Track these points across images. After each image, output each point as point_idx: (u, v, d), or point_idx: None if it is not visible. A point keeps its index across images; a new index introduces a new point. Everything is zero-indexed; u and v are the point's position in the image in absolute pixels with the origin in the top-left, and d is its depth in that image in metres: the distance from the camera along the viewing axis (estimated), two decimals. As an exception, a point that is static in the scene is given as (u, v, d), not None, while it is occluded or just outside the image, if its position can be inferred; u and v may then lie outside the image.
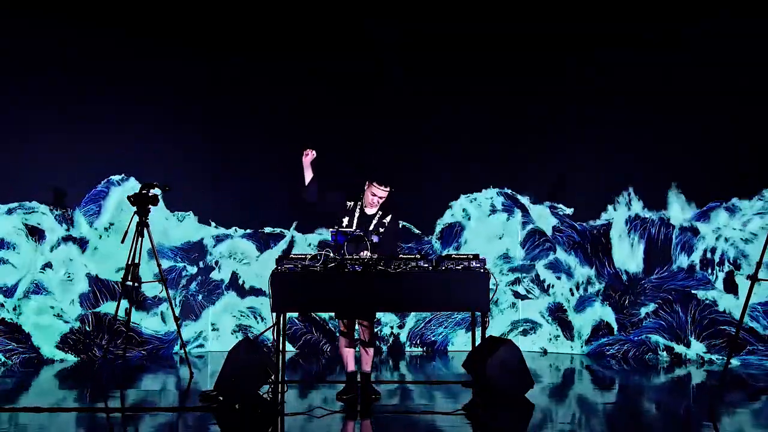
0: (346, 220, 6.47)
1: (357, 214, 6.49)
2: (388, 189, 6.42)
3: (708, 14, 8.33)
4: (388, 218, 6.49)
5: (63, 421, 5.77)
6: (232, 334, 9.03)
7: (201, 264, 9.11)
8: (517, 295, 9.12)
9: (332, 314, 8.52)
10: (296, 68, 9.18)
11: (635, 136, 8.70)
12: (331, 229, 6.45)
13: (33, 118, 8.18)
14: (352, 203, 6.55)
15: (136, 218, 7.50)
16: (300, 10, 9.13)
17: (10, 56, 8.09)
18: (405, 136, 9.28)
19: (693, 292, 8.39)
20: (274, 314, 6.18)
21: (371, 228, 6.39)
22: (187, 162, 8.97)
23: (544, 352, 8.95)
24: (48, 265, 8.26)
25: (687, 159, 8.50)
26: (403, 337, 9.24)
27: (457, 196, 9.31)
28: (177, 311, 8.15)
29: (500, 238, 9.19)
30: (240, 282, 9.19)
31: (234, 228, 9.24)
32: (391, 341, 9.21)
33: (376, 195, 6.41)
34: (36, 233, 8.23)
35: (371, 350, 6.53)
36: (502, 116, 9.20)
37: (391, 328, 9.22)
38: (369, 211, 6.50)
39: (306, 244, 9.22)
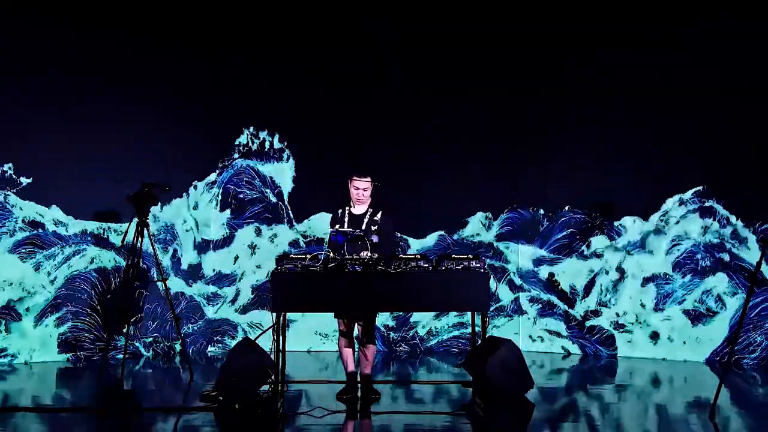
0: (337, 227, 6.45)
1: (347, 219, 6.50)
2: (368, 179, 6.43)
3: (708, 14, 8.32)
4: (379, 215, 6.49)
5: (62, 420, 5.77)
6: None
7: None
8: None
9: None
10: (296, 68, 9.18)
11: (635, 136, 8.69)
12: (330, 230, 6.45)
13: (33, 118, 8.17)
14: (341, 210, 6.56)
15: (136, 218, 7.50)
16: (300, 10, 9.13)
17: (10, 56, 8.07)
18: (405, 136, 9.28)
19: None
20: (274, 314, 6.19)
21: (363, 227, 6.39)
22: (187, 162, 8.99)
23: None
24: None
25: (687, 159, 8.49)
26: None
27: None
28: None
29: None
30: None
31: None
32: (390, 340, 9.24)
33: (359, 188, 6.42)
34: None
35: (371, 350, 6.53)
36: (502, 116, 9.20)
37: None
38: (357, 210, 6.51)
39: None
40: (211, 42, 9.04)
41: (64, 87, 8.34)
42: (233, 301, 9.22)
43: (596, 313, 8.90)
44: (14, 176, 8.10)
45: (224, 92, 9.16)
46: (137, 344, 8.56)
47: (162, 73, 8.82)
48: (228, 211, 9.27)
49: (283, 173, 9.37)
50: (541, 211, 9.22)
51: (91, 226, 8.46)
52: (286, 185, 9.38)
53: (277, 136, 9.35)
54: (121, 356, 7.69)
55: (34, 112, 8.18)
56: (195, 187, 9.12)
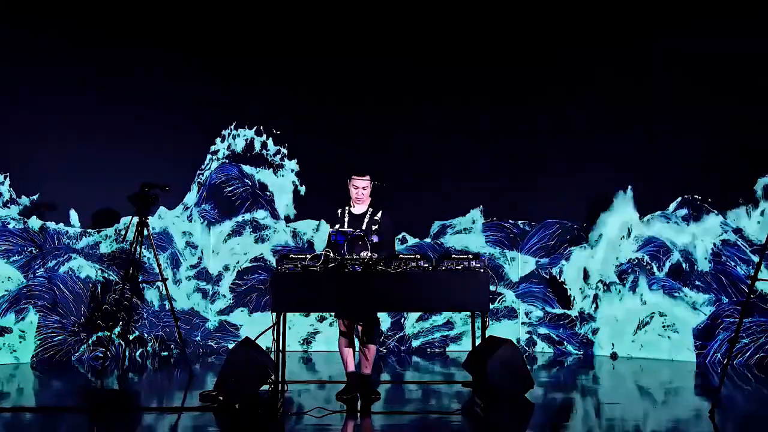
0: (337, 227, 6.46)
1: (346, 219, 6.51)
2: (367, 178, 6.46)
3: (708, 14, 8.32)
4: (379, 214, 6.49)
5: (61, 421, 5.77)
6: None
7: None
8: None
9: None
10: (297, 70, 9.19)
11: (635, 136, 8.69)
12: (330, 230, 6.46)
13: (33, 118, 8.18)
14: (341, 210, 6.57)
15: (136, 218, 7.51)
16: (300, 11, 9.16)
17: (11, 56, 8.08)
18: (405, 135, 9.29)
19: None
20: (274, 314, 6.19)
21: (364, 227, 6.40)
22: (186, 162, 8.98)
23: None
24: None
25: (683, 163, 8.47)
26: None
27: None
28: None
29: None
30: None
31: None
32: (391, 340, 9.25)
33: (358, 187, 6.45)
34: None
35: (371, 350, 6.53)
36: (498, 119, 9.22)
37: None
38: (357, 210, 6.51)
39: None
40: (211, 42, 9.05)
41: (65, 88, 8.35)
42: (224, 300, 9.25)
43: (592, 317, 8.92)
44: (10, 186, 8.12)
45: (225, 92, 9.17)
46: (135, 345, 8.56)
47: (162, 73, 8.84)
48: (221, 212, 9.27)
49: (278, 176, 9.37)
50: (534, 222, 9.24)
51: (86, 237, 8.47)
52: (281, 187, 9.37)
53: (272, 139, 9.34)
54: (119, 357, 7.71)
55: (34, 112, 8.20)
56: (188, 191, 9.15)
